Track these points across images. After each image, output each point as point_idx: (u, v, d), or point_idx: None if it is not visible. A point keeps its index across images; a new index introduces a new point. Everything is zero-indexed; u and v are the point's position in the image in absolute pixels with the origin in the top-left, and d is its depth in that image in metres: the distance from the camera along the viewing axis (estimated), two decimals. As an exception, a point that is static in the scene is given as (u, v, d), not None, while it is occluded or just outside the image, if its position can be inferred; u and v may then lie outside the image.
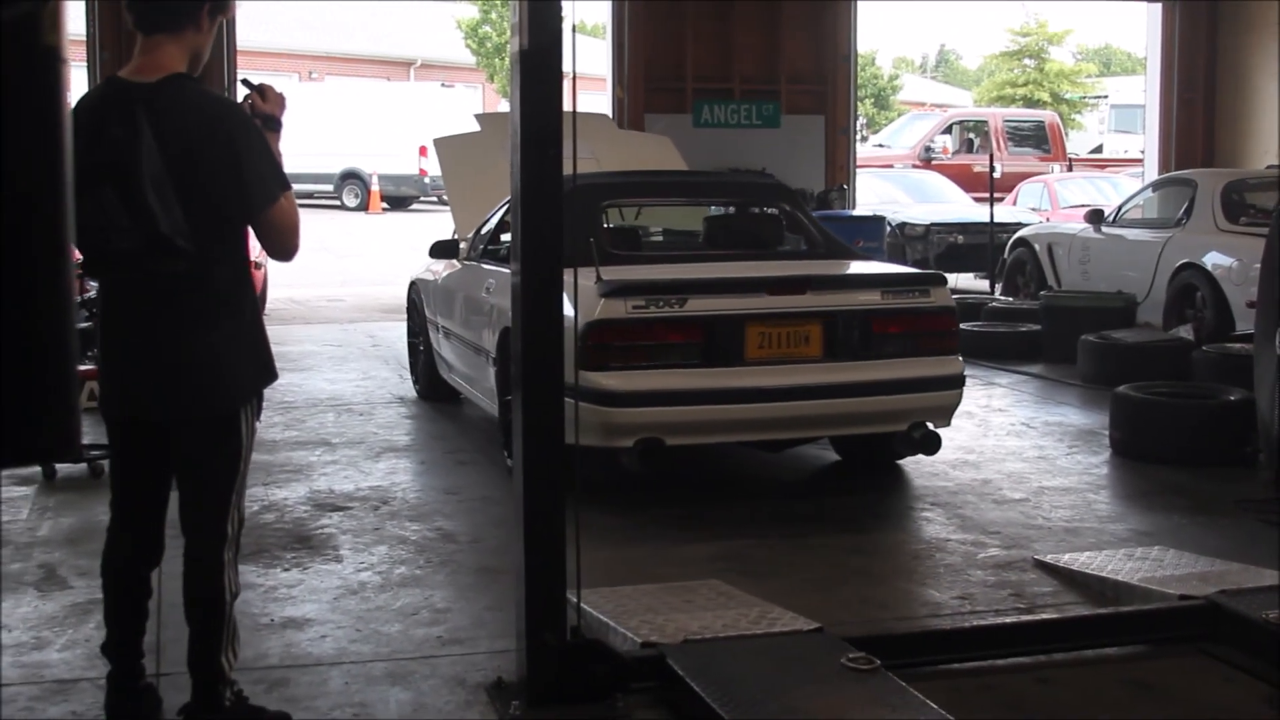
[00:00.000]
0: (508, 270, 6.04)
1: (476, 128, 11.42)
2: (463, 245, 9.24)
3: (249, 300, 4.13)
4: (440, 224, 30.09)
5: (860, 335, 7.07)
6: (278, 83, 4.42)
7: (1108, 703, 4.62)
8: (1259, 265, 7.99)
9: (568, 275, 6.55)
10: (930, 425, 7.20)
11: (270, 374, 4.18)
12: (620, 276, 6.86)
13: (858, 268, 8.00)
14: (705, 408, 6.85)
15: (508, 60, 5.84)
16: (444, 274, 9.53)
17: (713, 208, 9.45)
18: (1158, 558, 5.96)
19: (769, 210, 8.73)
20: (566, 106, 4.44)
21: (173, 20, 3.96)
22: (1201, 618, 5.11)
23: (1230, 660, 4.88)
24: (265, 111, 4.14)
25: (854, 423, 7.22)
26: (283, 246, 4.04)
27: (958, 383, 7.32)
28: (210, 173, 3.87)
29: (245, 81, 4.28)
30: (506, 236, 7.70)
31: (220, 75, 13.65)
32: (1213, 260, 11.59)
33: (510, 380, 5.11)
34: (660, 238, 9.74)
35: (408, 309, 10.89)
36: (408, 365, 11.10)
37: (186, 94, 3.92)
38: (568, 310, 6.41)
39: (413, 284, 10.68)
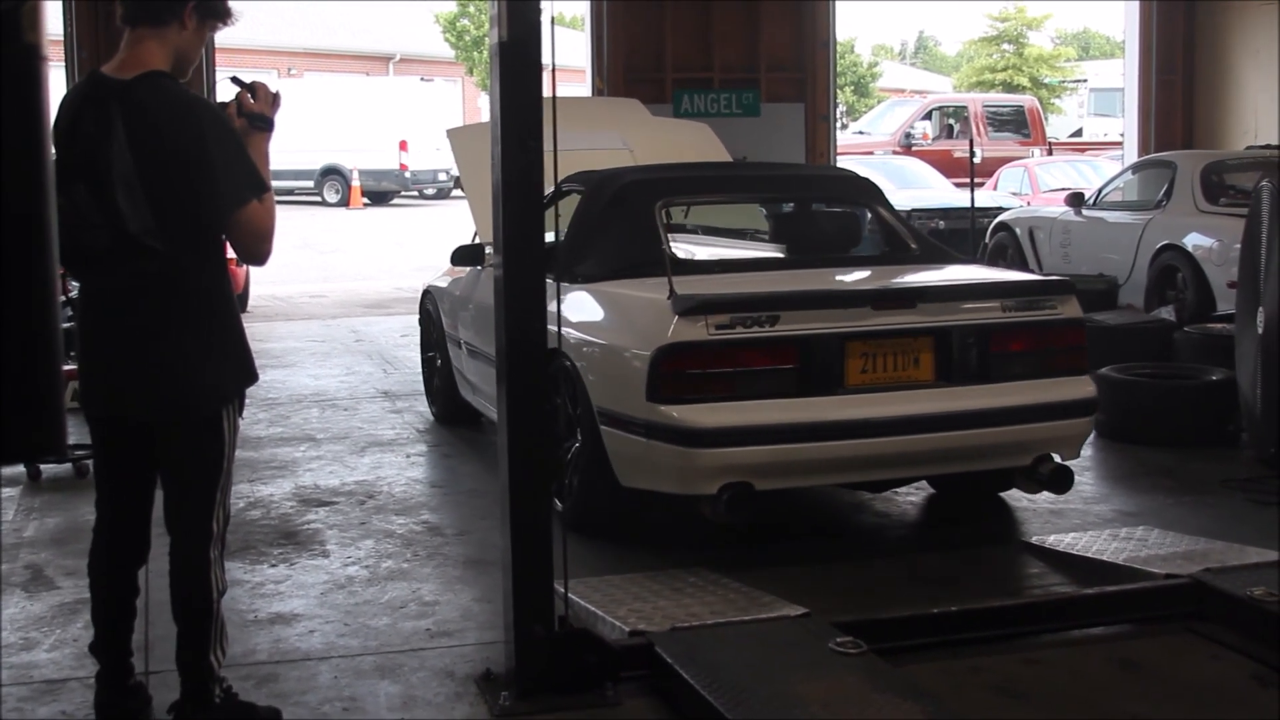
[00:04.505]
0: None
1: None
2: (488, 250, 7.67)
3: (226, 301, 4.07)
4: (423, 218, 30.19)
5: (978, 355, 6.11)
6: (258, 79, 4.35)
7: (1095, 682, 4.65)
8: (1239, 246, 8.02)
9: (630, 289, 6.24)
10: (1057, 458, 6.23)
11: (250, 375, 4.14)
12: (695, 290, 5.87)
13: (969, 274, 6.96)
14: (802, 445, 5.79)
15: (487, 53, 5.71)
16: (466, 282, 8.41)
17: (785, 206, 8.27)
18: (1143, 537, 5.99)
19: (850, 208, 7.77)
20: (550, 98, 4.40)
21: (154, 15, 3.92)
22: (1187, 596, 5.14)
23: (1216, 638, 4.91)
24: (255, 110, 4.04)
25: (972, 458, 6.16)
26: (252, 251, 3.94)
27: (1090, 408, 6.31)
28: (179, 172, 3.81)
29: (235, 79, 4.15)
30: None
31: (200, 72, 13.59)
32: (1193, 241, 11.61)
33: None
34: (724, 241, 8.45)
35: (421, 320, 9.69)
36: (411, 378, 10.75)
37: (160, 91, 3.86)
38: (631, 329, 6.07)
39: (427, 292, 9.46)
